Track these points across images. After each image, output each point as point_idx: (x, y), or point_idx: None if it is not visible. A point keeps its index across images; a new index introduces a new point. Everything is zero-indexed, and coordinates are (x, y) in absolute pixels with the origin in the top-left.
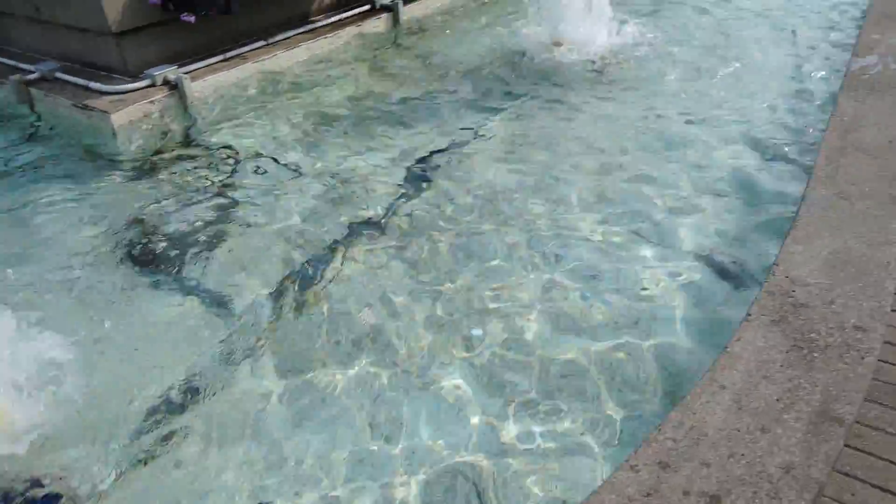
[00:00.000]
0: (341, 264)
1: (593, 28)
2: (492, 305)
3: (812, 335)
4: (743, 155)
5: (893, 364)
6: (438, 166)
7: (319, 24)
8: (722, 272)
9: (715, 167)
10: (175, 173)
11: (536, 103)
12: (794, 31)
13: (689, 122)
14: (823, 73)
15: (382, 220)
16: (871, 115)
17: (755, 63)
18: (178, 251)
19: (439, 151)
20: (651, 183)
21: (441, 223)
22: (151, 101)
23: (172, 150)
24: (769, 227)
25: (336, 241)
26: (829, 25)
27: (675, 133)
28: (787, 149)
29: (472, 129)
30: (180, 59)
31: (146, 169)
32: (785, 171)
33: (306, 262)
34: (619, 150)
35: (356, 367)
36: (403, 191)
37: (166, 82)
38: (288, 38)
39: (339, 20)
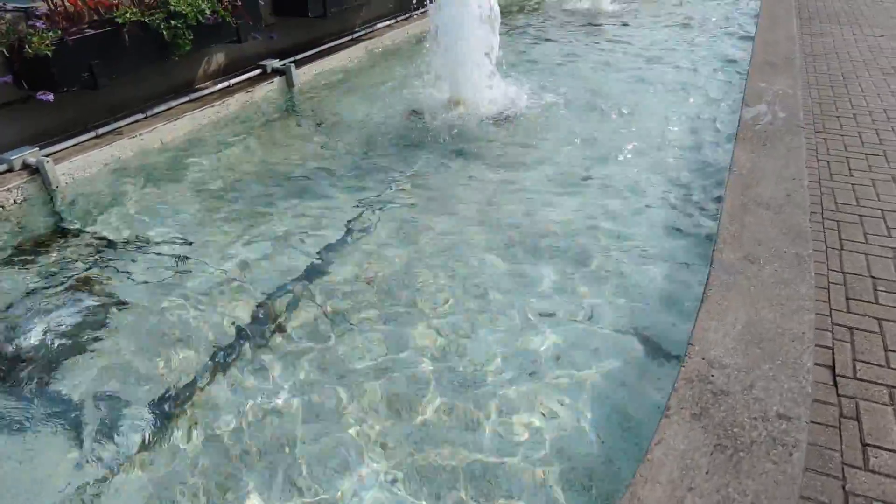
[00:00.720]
0: (220, 374)
1: (493, 87)
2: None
3: (736, 430)
4: (648, 214)
5: (824, 447)
6: (333, 249)
7: (206, 91)
8: (634, 357)
9: (619, 234)
10: (36, 269)
11: (435, 170)
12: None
13: (586, 178)
14: (719, 125)
15: (267, 321)
16: (767, 167)
17: (654, 118)
18: (35, 363)
19: (334, 231)
20: (553, 257)
21: (332, 324)
22: (8, 189)
23: (34, 243)
24: (682, 296)
25: (218, 348)
26: (721, 75)
27: (574, 193)
28: (690, 208)
29: (370, 203)
30: (45, 138)
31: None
32: (691, 231)
33: (182, 371)
34: (519, 218)
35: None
36: (292, 281)
37: (26, 166)
38: (170, 108)
39: (228, 87)
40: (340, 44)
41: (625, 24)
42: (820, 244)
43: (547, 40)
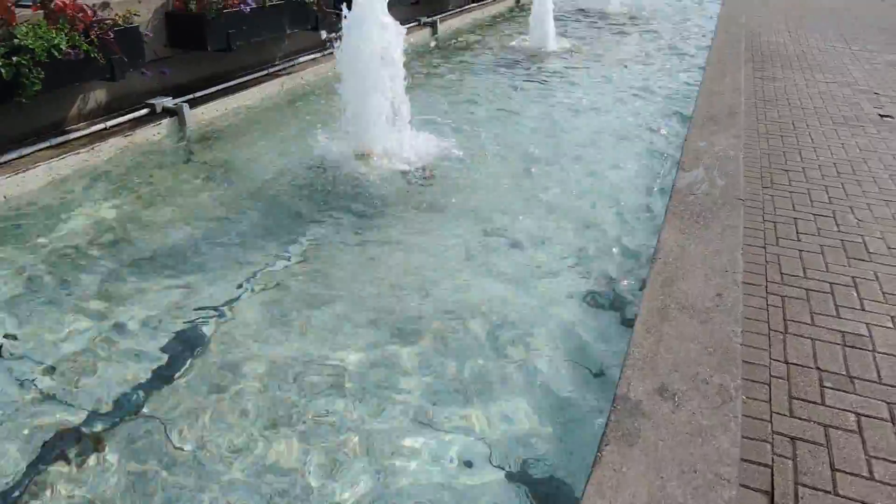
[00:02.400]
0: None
1: (403, 136)
2: None
3: None
4: (553, 318)
5: None
6: (201, 337)
7: (74, 135)
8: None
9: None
10: None
11: (337, 232)
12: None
13: (513, 245)
14: (649, 196)
15: (102, 435)
16: (696, 254)
17: (580, 183)
18: None
19: (205, 314)
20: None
21: (182, 447)
22: None
23: None
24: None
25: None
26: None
27: (469, 284)
28: (603, 313)
29: (256, 274)
30: None
31: None
32: (598, 346)
33: None
34: (427, 290)
35: None
36: (143, 383)
37: None
38: (24, 156)
39: (104, 129)
40: (251, 80)
41: (567, 67)
42: (762, 325)
43: (479, 82)
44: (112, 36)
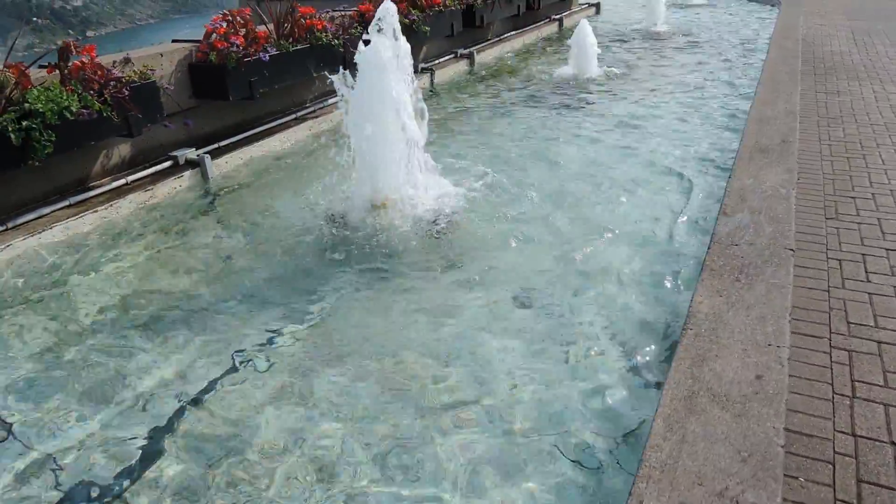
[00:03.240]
0: None
1: (424, 184)
2: None
3: None
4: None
5: None
6: (200, 421)
7: (94, 192)
8: None
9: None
10: None
11: (354, 293)
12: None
13: (523, 305)
14: (691, 248)
15: None
16: (735, 324)
17: (613, 236)
18: None
19: (210, 385)
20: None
21: None
22: None
23: None
24: None
25: None
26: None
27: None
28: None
29: (268, 342)
30: None
31: None
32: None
33: None
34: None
35: None
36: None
37: None
38: (42, 216)
39: (125, 185)
40: (278, 125)
41: (605, 97)
42: (825, 388)
43: (512, 119)
44: (127, 93)
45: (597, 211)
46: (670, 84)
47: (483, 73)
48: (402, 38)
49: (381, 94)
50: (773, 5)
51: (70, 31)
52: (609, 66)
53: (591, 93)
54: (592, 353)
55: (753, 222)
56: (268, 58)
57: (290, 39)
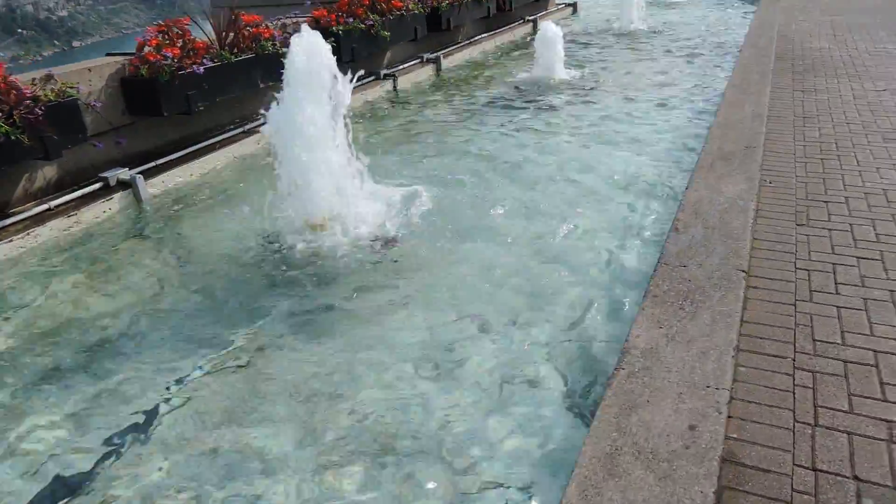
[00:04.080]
0: None
1: (366, 202)
2: None
3: None
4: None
5: None
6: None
7: (12, 219)
8: None
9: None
10: None
11: (282, 324)
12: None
13: (482, 330)
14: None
15: None
16: (674, 358)
17: (563, 256)
18: None
19: (124, 432)
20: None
21: None
22: None
23: None
24: None
25: None
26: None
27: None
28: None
29: (177, 384)
30: None
31: None
32: None
33: None
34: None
35: None
36: None
37: None
38: None
39: (47, 210)
40: (223, 140)
41: (569, 102)
42: (786, 415)
43: (472, 126)
44: (40, 113)
45: (550, 228)
46: (640, 88)
47: (450, 77)
48: (331, 59)
49: (312, 109)
50: (753, 2)
51: (56, 42)
52: (578, 69)
53: (555, 99)
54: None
55: (706, 240)
56: (203, 70)
57: (235, 50)
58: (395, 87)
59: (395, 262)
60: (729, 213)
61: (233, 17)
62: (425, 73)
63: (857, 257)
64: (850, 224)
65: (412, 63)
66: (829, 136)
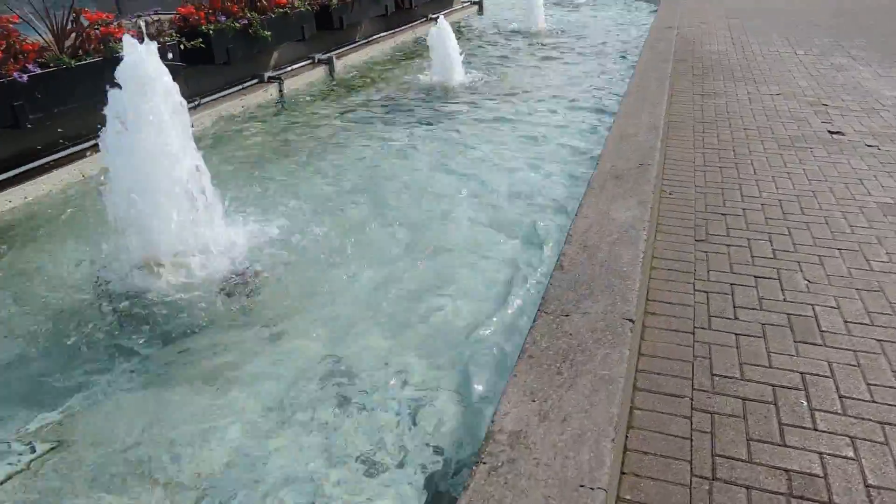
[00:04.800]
0: None
1: (213, 232)
2: None
3: None
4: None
5: None
6: None
7: None
8: None
9: None
10: None
11: (108, 387)
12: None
13: (342, 400)
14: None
15: None
16: (545, 442)
17: (434, 301)
18: None
19: None
20: None
21: None
22: None
23: None
24: None
25: None
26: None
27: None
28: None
29: None
30: None
31: None
32: None
33: None
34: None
35: None
36: None
37: None
38: None
39: None
40: (67, 156)
41: (464, 110)
42: (682, 467)
43: (355, 139)
44: None
45: (421, 269)
46: (541, 94)
47: (344, 80)
48: (167, 73)
49: (149, 128)
50: (657, 3)
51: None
52: (476, 72)
53: (449, 105)
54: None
55: (592, 279)
56: (26, 78)
57: (80, 52)
58: (280, 90)
59: (247, 305)
60: (619, 245)
61: (73, 15)
62: (316, 75)
63: (755, 276)
64: (748, 239)
65: (303, 64)
66: (727, 143)
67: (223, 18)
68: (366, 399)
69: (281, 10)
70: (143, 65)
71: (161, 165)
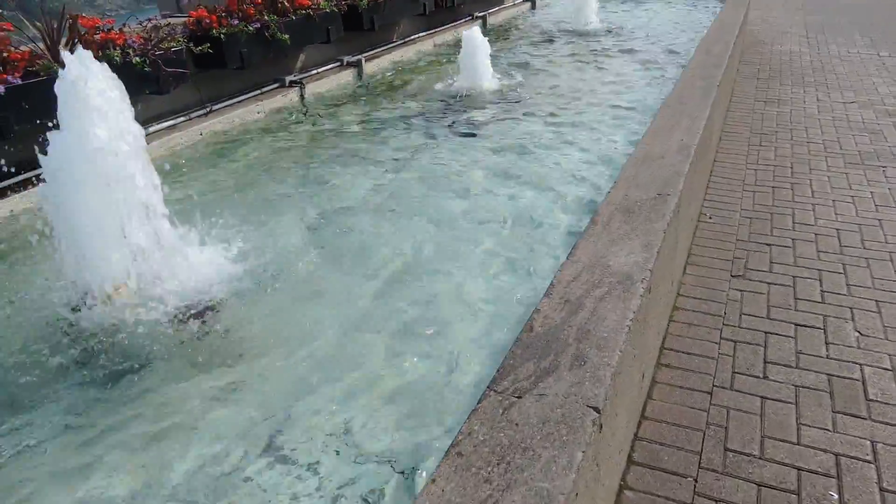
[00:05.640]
0: None
1: (171, 260)
2: None
3: None
4: None
5: None
6: None
7: None
8: None
9: None
10: None
11: (52, 430)
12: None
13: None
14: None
15: None
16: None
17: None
18: None
19: None
20: None
21: None
22: None
23: None
24: None
25: None
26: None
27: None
28: None
29: None
30: None
31: None
32: None
33: None
34: None
35: None
36: None
37: None
38: None
39: None
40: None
41: (490, 121)
42: None
43: (366, 151)
44: None
45: (409, 317)
46: (579, 106)
47: (371, 84)
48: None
49: (92, 146)
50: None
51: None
52: (509, 78)
53: (474, 116)
54: None
55: (563, 347)
56: (3, 89)
57: None
58: (301, 96)
59: (193, 352)
60: (607, 301)
61: (69, 19)
62: (343, 79)
63: (796, 324)
64: (794, 277)
65: (330, 67)
66: (784, 158)
67: (235, 22)
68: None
69: (303, 11)
70: (81, 85)
71: (104, 192)
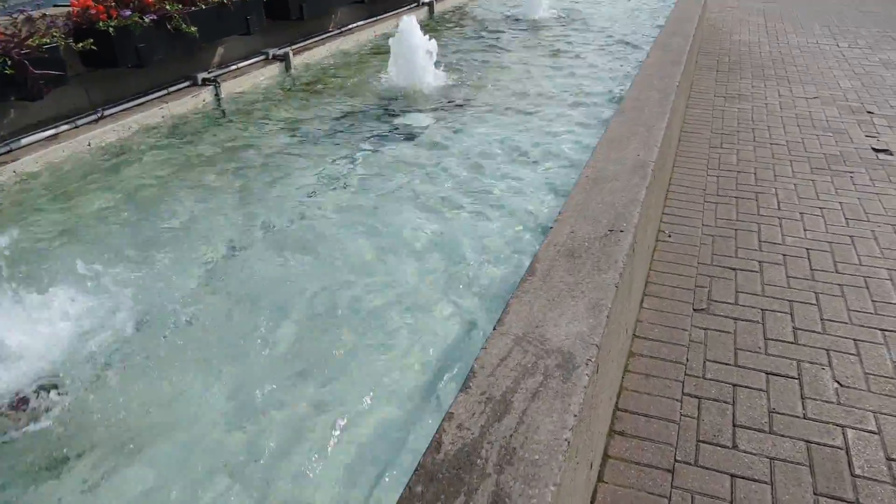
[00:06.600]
0: None
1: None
2: None
3: None
4: None
5: None
6: None
7: None
8: None
9: None
10: None
11: None
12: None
13: None
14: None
15: None
16: None
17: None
18: None
19: None
20: None
21: None
22: None
23: None
24: None
25: None
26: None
27: None
28: None
29: None
30: None
31: None
32: None
33: None
34: None
35: None
36: None
37: None
38: None
39: None
40: None
41: (426, 127)
42: None
43: (285, 165)
44: None
45: (318, 381)
46: (521, 107)
47: (298, 81)
48: None
49: None
50: None
51: None
52: (446, 72)
53: (409, 120)
54: None
55: (474, 478)
56: None
57: None
58: (217, 95)
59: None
60: (541, 398)
61: None
62: (267, 74)
63: (767, 373)
64: (762, 310)
65: (253, 62)
66: (748, 163)
67: (127, 13)
68: None
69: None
70: None
71: None
